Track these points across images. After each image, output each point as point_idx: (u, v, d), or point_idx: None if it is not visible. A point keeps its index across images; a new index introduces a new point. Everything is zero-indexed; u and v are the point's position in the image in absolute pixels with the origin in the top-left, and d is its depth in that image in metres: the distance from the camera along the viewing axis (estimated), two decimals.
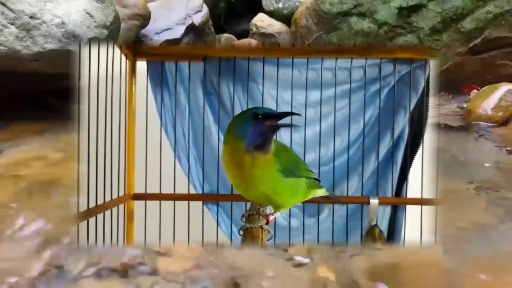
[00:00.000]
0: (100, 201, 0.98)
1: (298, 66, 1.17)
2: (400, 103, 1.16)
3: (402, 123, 1.17)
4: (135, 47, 1.15)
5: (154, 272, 0.80)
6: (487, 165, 1.45)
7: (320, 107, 1.18)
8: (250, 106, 1.17)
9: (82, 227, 0.92)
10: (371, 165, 1.18)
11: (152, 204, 1.15)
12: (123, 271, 0.80)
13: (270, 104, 1.18)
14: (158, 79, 1.17)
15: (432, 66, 1.17)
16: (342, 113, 1.18)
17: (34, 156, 1.43)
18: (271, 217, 0.95)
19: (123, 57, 1.11)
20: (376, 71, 1.17)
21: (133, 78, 1.16)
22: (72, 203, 0.95)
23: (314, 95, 1.18)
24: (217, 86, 1.17)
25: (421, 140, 1.16)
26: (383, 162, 1.18)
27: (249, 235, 0.91)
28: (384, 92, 1.18)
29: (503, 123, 1.96)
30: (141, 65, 1.17)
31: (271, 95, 1.18)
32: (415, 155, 1.16)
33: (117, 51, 1.07)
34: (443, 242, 0.93)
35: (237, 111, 1.17)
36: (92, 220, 0.95)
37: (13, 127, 1.75)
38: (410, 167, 1.17)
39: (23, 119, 1.82)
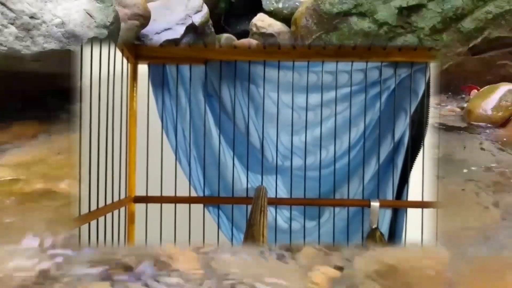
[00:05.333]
0: (101, 204, 0.99)
1: (299, 69, 1.17)
2: (401, 106, 1.16)
3: (403, 126, 1.17)
4: (137, 50, 1.16)
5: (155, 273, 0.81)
6: (487, 165, 1.45)
7: (320, 110, 1.18)
8: (250, 109, 1.18)
9: (83, 229, 0.92)
10: (371, 168, 1.18)
11: (153, 207, 1.15)
12: (124, 273, 0.81)
13: (270, 107, 1.18)
14: (159, 81, 1.17)
15: (432, 67, 1.17)
16: (342, 116, 1.18)
17: (34, 157, 1.43)
18: None
19: (125, 60, 1.11)
20: (377, 74, 1.17)
21: (135, 81, 1.16)
22: (73, 205, 0.95)
23: (315, 98, 1.18)
24: (218, 88, 1.17)
25: (422, 143, 1.16)
26: (384, 165, 1.18)
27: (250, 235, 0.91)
28: (385, 95, 1.18)
29: (503, 123, 1.96)
30: (143, 68, 1.17)
31: (271, 98, 1.18)
32: (415, 158, 1.16)
33: (119, 54, 1.07)
34: (444, 243, 0.93)
35: (238, 113, 1.17)
36: (93, 222, 0.95)
37: (13, 127, 1.75)
38: (410, 170, 1.17)
39: (23, 119, 1.81)
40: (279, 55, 1.16)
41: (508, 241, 0.96)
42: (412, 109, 1.16)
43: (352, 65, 1.16)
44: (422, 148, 1.16)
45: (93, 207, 0.95)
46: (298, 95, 1.17)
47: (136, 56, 1.15)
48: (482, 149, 1.66)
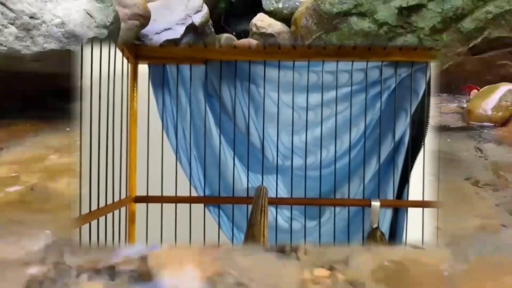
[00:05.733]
0: (101, 204, 0.99)
1: (299, 68, 1.17)
2: (401, 106, 1.16)
3: (403, 126, 1.17)
4: (137, 50, 1.15)
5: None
6: (487, 165, 1.45)
7: (321, 110, 1.18)
8: (251, 109, 1.18)
9: (84, 229, 0.92)
10: (372, 167, 1.18)
11: (154, 207, 1.15)
12: (125, 273, 0.81)
13: (270, 106, 1.18)
14: (159, 82, 1.17)
15: (433, 67, 1.17)
16: (342, 116, 1.18)
17: (34, 157, 1.43)
18: None
19: (125, 60, 1.11)
20: (377, 74, 1.16)
21: (135, 81, 1.16)
22: (74, 205, 0.95)
23: (315, 98, 1.18)
24: (218, 88, 1.17)
25: (422, 143, 1.16)
26: (384, 164, 1.18)
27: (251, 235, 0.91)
28: (385, 95, 1.18)
29: (503, 123, 1.96)
30: (143, 68, 1.17)
31: (272, 97, 1.18)
32: (416, 158, 1.16)
33: (119, 54, 1.07)
34: (444, 243, 0.93)
35: (238, 113, 1.17)
36: (93, 222, 0.95)
37: (13, 127, 1.75)
38: (411, 170, 1.17)
39: (23, 119, 1.82)
40: (279, 55, 1.16)
41: (508, 241, 0.96)
42: (413, 109, 1.16)
43: (352, 64, 1.16)
44: (422, 147, 1.16)
45: (94, 207, 0.95)
46: (298, 95, 1.17)
47: (136, 56, 1.15)
48: (482, 149, 1.66)
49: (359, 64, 1.16)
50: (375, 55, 1.14)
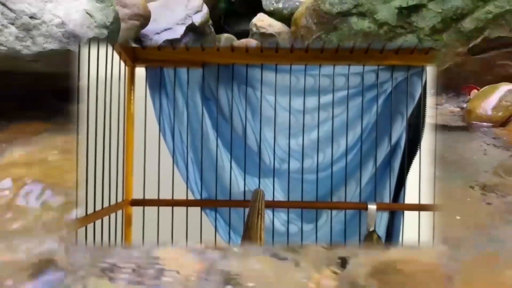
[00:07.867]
0: (98, 207, 0.99)
1: (296, 72, 1.17)
2: (397, 110, 1.17)
3: (399, 129, 1.17)
4: (134, 53, 1.16)
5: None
6: (487, 165, 1.45)
7: (318, 113, 1.18)
8: (248, 112, 1.18)
9: (80, 233, 0.92)
10: (368, 171, 1.18)
11: (150, 210, 1.15)
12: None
13: (267, 110, 1.18)
14: (156, 85, 1.17)
15: (430, 70, 1.17)
16: (339, 119, 1.18)
17: (33, 157, 1.44)
18: None
19: (122, 63, 1.11)
20: (373, 78, 1.17)
21: (132, 84, 1.16)
22: (70, 208, 0.95)
23: (312, 101, 1.18)
24: (215, 92, 1.17)
25: (419, 146, 1.16)
26: (381, 168, 1.18)
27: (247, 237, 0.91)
28: (381, 99, 1.18)
29: (503, 123, 1.96)
30: (140, 71, 1.17)
31: (269, 101, 1.18)
32: (412, 161, 1.17)
33: (116, 56, 1.07)
34: (442, 244, 0.94)
35: (236, 116, 1.18)
36: (90, 225, 0.95)
37: (13, 127, 1.75)
38: (407, 173, 1.17)
39: (23, 119, 1.82)
40: (277, 58, 1.16)
41: (506, 240, 0.97)
42: (409, 112, 1.17)
43: (349, 68, 1.16)
44: (418, 151, 1.16)
45: (90, 210, 0.95)
46: (295, 98, 1.18)
47: (133, 59, 1.16)
48: (482, 149, 1.66)
49: (356, 68, 1.16)
50: (372, 58, 1.14)
